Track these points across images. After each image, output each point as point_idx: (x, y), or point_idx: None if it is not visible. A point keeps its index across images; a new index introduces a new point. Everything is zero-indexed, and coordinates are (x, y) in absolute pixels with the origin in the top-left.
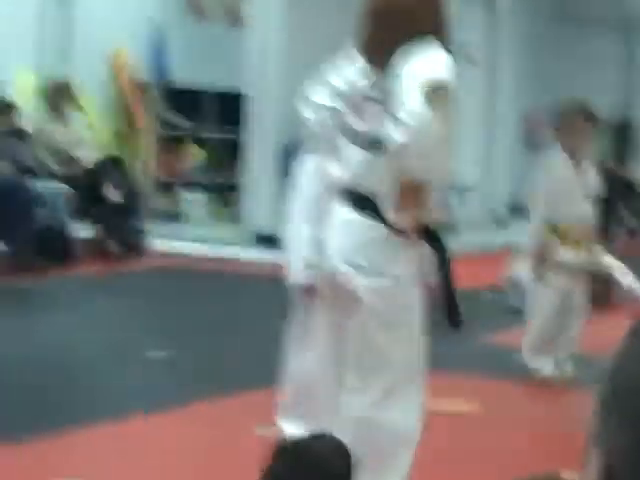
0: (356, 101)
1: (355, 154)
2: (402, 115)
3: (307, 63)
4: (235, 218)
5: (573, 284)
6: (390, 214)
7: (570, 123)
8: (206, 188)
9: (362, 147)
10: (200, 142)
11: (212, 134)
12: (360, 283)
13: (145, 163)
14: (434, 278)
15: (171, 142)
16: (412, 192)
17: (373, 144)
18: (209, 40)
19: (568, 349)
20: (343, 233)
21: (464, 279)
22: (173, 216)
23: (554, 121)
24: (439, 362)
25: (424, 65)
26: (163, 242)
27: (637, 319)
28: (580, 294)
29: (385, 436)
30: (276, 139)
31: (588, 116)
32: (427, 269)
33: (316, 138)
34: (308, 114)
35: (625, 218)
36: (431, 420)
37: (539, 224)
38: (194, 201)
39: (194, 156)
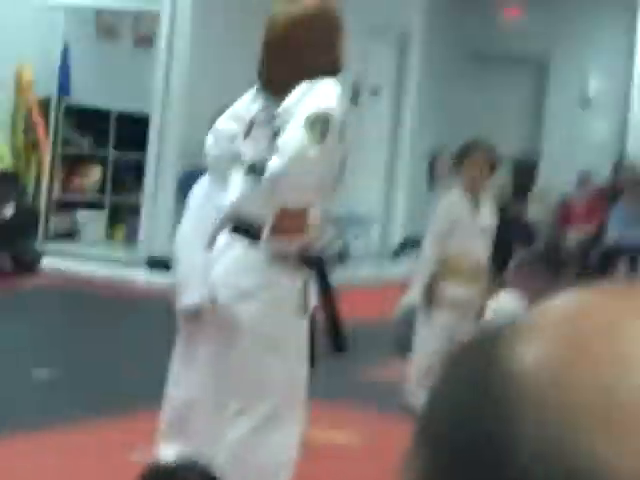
0: (247, 126)
1: (238, 179)
2: (279, 144)
3: (211, 87)
4: (131, 239)
5: (460, 319)
6: (269, 239)
7: (468, 159)
8: (104, 208)
9: (245, 172)
10: (101, 162)
11: (114, 154)
12: (239, 307)
13: (43, 180)
14: (317, 304)
15: (71, 160)
16: (290, 219)
17: (253, 170)
18: (116, 60)
19: None
20: (223, 257)
21: (355, 310)
22: (69, 235)
23: (454, 156)
24: (321, 392)
25: (308, 98)
26: (58, 261)
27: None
28: (467, 330)
29: (262, 462)
30: (177, 162)
31: (486, 152)
32: (309, 295)
33: (211, 162)
34: (209, 137)
35: (517, 253)
36: (309, 449)
37: (430, 257)
38: (90, 220)
39: (94, 175)
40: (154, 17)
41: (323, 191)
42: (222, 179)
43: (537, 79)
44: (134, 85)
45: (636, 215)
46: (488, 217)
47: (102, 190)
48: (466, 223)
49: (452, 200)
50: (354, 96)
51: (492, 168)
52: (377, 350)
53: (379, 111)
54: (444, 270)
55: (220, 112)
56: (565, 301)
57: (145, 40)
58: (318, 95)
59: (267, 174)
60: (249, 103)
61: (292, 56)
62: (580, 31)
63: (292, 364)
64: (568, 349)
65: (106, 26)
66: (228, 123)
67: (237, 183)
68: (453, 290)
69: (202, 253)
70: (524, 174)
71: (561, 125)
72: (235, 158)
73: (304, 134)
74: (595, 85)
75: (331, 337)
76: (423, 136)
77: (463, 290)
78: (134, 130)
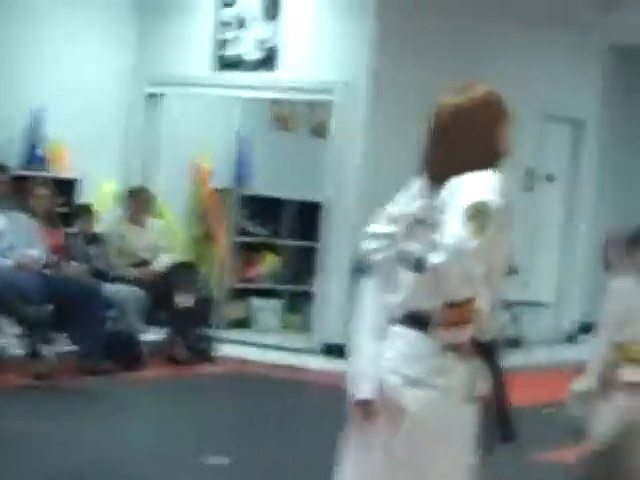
0: (409, 224)
1: (405, 276)
2: (440, 238)
3: (384, 176)
4: (306, 326)
5: (637, 404)
6: (438, 331)
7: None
8: (278, 295)
9: (409, 268)
10: (275, 250)
11: (288, 242)
12: (407, 393)
13: (219, 269)
14: (486, 393)
15: (246, 249)
16: (456, 310)
17: (419, 266)
18: (291, 150)
19: None
20: (392, 346)
21: (528, 395)
22: (244, 323)
23: (628, 240)
24: (488, 478)
25: (465, 189)
26: (233, 349)
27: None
28: None
29: None
30: (351, 250)
31: None
32: (479, 384)
33: (375, 266)
34: (367, 243)
35: None
36: None
37: (605, 342)
38: (265, 308)
39: (268, 263)
40: (328, 106)
41: (491, 280)
42: (387, 280)
43: None
44: (309, 174)
45: None
46: None
47: (277, 278)
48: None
49: (624, 285)
50: (528, 182)
51: None
52: (551, 435)
53: (554, 198)
54: (619, 355)
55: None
56: None
57: (319, 129)
58: (475, 186)
59: (428, 266)
60: (408, 201)
61: (453, 145)
62: None
63: (459, 454)
64: None
65: (281, 116)
66: (385, 225)
67: (405, 280)
68: (630, 374)
69: (374, 345)
70: None
71: None
72: (397, 257)
73: (463, 227)
74: None
75: (499, 426)
76: (601, 221)
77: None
78: (309, 219)
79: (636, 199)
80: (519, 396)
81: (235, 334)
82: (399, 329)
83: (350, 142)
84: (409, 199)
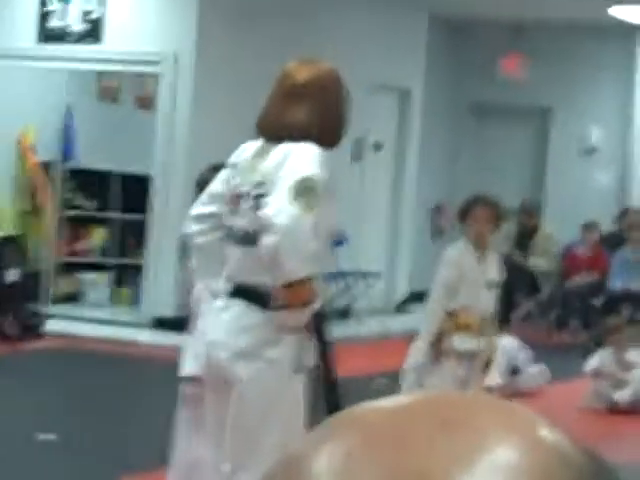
0: (232, 199)
1: (233, 251)
2: (268, 218)
3: (212, 149)
4: (135, 300)
5: (469, 371)
6: (279, 313)
7: (472, 214)
8: (107, 269)
9: (237, 242)
10: (104, 223)
11: (117, 215)
12: (236, 366)
13: (47, 243)
14: (315, 365)
15: (74, 223)
16: (297, 290)
17: (246, 238)
18: (119, 123)
19: None
20: (219, 321)
21: (359, 365)
22: (73, 297)
23: (458, 211)
24: None
25: (293, 163)
26: (62, 324)
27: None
28: (474, 382)
29: None
30: (180, 223)
31: (490, 207)
32: (308, 355)
33: (197, 249)
34: (189, 226)
35: (522, 304)
36: None
37: (436, 310)
38: (94, 282)
39: (97, 237)
40: (154, 78)
41: (319, 253)
42: (211, 260)
43: (538, 129)
44: (137, 147)
45: (638, 259)
46: (494, 271)
47: (105, 251)
48: (472, 277)
49: (457, 254)
50: (356, 151)
51: (497, 222)
52: None
53: (382, 167)
54: (451, 323)
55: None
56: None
57: (146, 101)
58: (301, 161)
59: (264, 251)
60: (232, 173)
61: (307, 109)
62: (580, 80)
63: (288, 422)
64: None
65: (107, 88)
66: (208, 206)
67: (233, 255)
68: (460, 342)
69: (199, 322)
70: (527, 224)
71: (564, 174)
72: (224, 233)
73: (293, 205)
74: (597, 134)
75: (326, 398)
76: (426, 190)
77: (470, 342)
78: (137, 192)
79: (457, 167)
80: (350, 366)
81: (64, 309)
82: (226, 303)
83: (177, 114)
84: (233, 171)
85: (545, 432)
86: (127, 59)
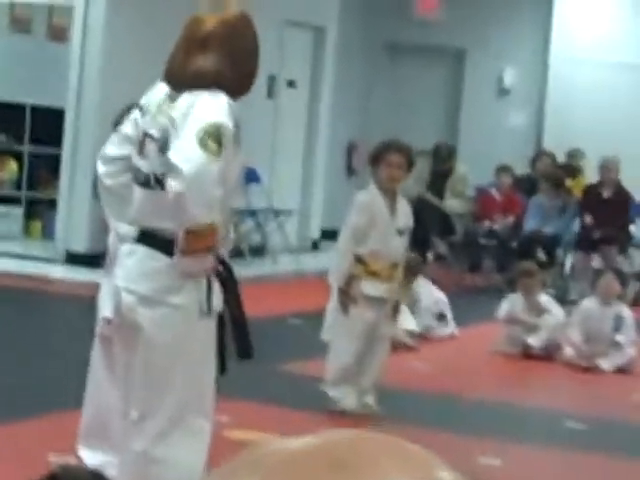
0: (140, 140)
1: (138, 192)
2: (174, 162)
3: (125, 82)
4: (48, 235)
5: (378, 316)
6: (181, 258)
7: (384, 159)
8: (20, 203)
9: (142, 185)
10: (16, 156)
11: (29, 148)
12: (141, 312)
13: None
14: (223, 307)
15: None
16: (201, 237)
17: (148, 183)
18: (31, 55)
19: (371, 381)
20: (124, 265)
21: (275, 305)
22: None
23: (370, 156)
24: (236, 390)
25: (200, 110)
26: None
27: None
28: (385, 326)
29: (167, 473)
30: (93, 158)
31: (401, 152)
32: (215, 299)
33: (105, 191)
34: (99, 167)
35: (436, 245)
36: (225, 451)
37: (346, 256)
38: (6, 215)
39: (9, 170)
40: (68, 10)
41: (226, 197)
42: (120, 202)
43: (453, 70)
44: (50, 79)
45: (552, 206)
46: (405, 218)
47: (18, 185)
48: (382, 222)
49: (368, 199)
50: (270, 89)
51: (408, 168)
52: (295, 346)
53: (296, 104)
54: (360, 269)
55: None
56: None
57: (58, 32)
58: (208, 108)
59: (170, 196)
60: (138, 116)
61: (212, 54)
62: (496, 22)
63: (196, 367)
64: None
65: (20, 19)
66: (118, 147)
67: (137, 196)
68: (369, 288)
69: (112, 266)
70: (441, 165)
71: (478, 115)
72: (133, 176)
73: (199, 151)
74: (511, 76)
75: (235, 342)
76: (340, 128)
77: (379, 287)
78: (50, 125)
79: (371, 106)
80: (265, 306)
81: None
82: (131, 247)
83: (89, 47)
84: (142, 112)
85: (443, 475)
86: None
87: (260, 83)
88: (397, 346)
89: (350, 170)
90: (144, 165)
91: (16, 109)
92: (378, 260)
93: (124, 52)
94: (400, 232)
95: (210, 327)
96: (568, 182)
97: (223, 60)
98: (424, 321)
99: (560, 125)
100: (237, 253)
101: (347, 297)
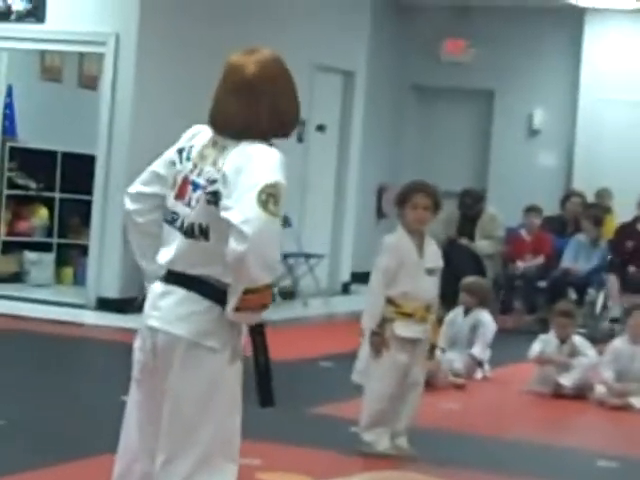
0: (178, 183)
1: (177, 239)
2: (238, 223)
3: (154, 129)
4: (79, 281)
5: (411, 358)
6: (237, 313)
7: (408, 200)
8: (51, 250)
9: (182, 232)
10: (47, 203)
11: (60, 195)
12: (177, 353)
13: None
14: (252, 355)
15: (17, 202)
16: (258, 295)
17: (195, 230)
18: (62, 102)
19: (404, 425)
20: (160, 305)
21: (306, 348)
22: (16, 277)
23: (396, 199)
24: (268, 433)
25: (257, 167)
26: (5, 304)
27: None
28: (417, 369)
29: None
30: (122, 204)
31: (428, 194)
32: (241, 341)
33: (134, 228)
34: (129, 204)
35: None
36: None
37: (377, 299)
38: (38, 262)
39: (40, 217)
40: (98, 58)
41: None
42: (151, 240)
43: (482, 111)
44: (80, 126)
45: (588, 245)
46: (434, 257)
47: (49, 231)
48: (410, 263)
49: (395, 241)
50: (300, 133)
51: (435, 209)
52: (328, 389)
53: (326, 148)
54: (392, 310)
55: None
56: None
57: (89, 81)
58: (264, 164)
59: (231, 257)
60: (180, 157)
61: (258, 101)
62: (524, 62)
63: (226, 413)
64: None
65: (50, 67)
66: (149, 186)
67: (177, 242)
68: (402, 329)
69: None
70: (471, 206)
71: (508, 156)
72: (166, 217)
73: (260, 212)
74: (541, 116)
75: (258, 390)
76: (369, 171)
77: (413, 328)
78: (80, 171)
79: (400, 149)
80: (296, 349)
81: (7, 289)
82: (166, 287)
83: (119, 95)
84: (182, 155)
85: None
86: (70, 39)
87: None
88: (443, 385)
89: (380, 213)
90: (186, 213)
91: (47, 156)
92: (409, 301)
93: (154, 99)
94: (429, 272)
95: (239, 371)
96: None
97: (269, 107)
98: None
99: (590, 165)
100: None
101: (380, 340)
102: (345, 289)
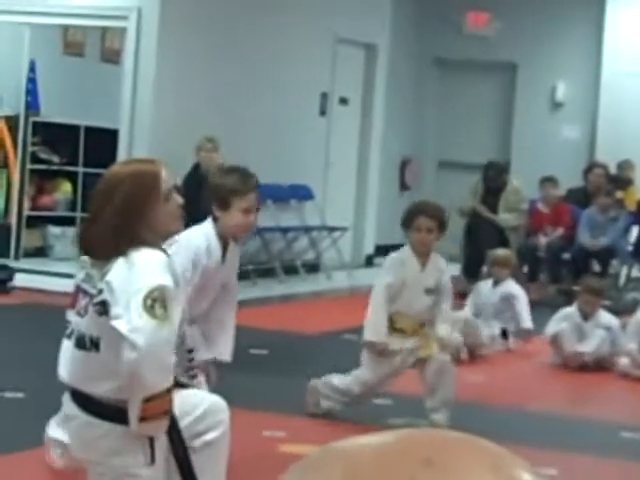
0: (74, 293)
1: (70, 350)
2: (127, 333)
3: (176, 102)
4: None
5: (403, 361)
6: (139, 425)
7: (412, 222)
8: (74, 223)
9: (75, 343)
10: (71, 177)
11: (83, 169)
12: (88, 464)
13: (13, 197)
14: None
15: (41, 177)
16: (158, 402)
17: (86, 342)
18: (84, 77)
19: (438, 400)
20: (69, 427)
21: (329, 321)
22: (40, 252)
23: (402, 219)
24: (291, 406)
25: (140, 274)
26: (29, 278)
27: None
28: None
29: None
30: None
31: (432, 215)
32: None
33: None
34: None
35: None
36: (281, 464)
37: (379, 312)
38: (62, 236)
39: (63, 191)
40: (121, 32)
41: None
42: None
43: (505, 84)
44: (102, 101)
45: (604, 218)
46: (436, 274)
47: (72, 205)
48: (413, 283)
49: (401, 260)
50: (322, 106)
51: (440, 229)
52: (350, 361)
53: (348, 121)
54: (388, 325)
55: None
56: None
57: (112, 56)
58: (147, 270)
59: (125, 368)
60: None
61: (111, 217)
62: (547, 35)
63: None
64: None
65: (72, 42)
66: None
67: (72, 356)
68: (395, 343)
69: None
70: (494, 179)
71: (530, 129)
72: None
73: (148, 319)
74: (564, 89)
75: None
76: (392, 144)
77: (404, 342)
78: (103, 145)
79: (423, 122)
80: (320, 322)
81: (31, 263)
82: (72, 410)
83: (141, 69)
84: (81, 264)
85: (523, 475)
86: (92, 13)
87: (313, 101)
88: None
89: (403, 185)
90: (79, 323)
91: (70, 130)
92: (404, 319)
93: (176, 73)
94: (428, 291)
95: (157, 476)
96: (619, 194)
97: (122, 220)
98: (492, 331)
99: (612, 137)
100: (291, 270)
101: (381, 351)
102: (369, 262)
